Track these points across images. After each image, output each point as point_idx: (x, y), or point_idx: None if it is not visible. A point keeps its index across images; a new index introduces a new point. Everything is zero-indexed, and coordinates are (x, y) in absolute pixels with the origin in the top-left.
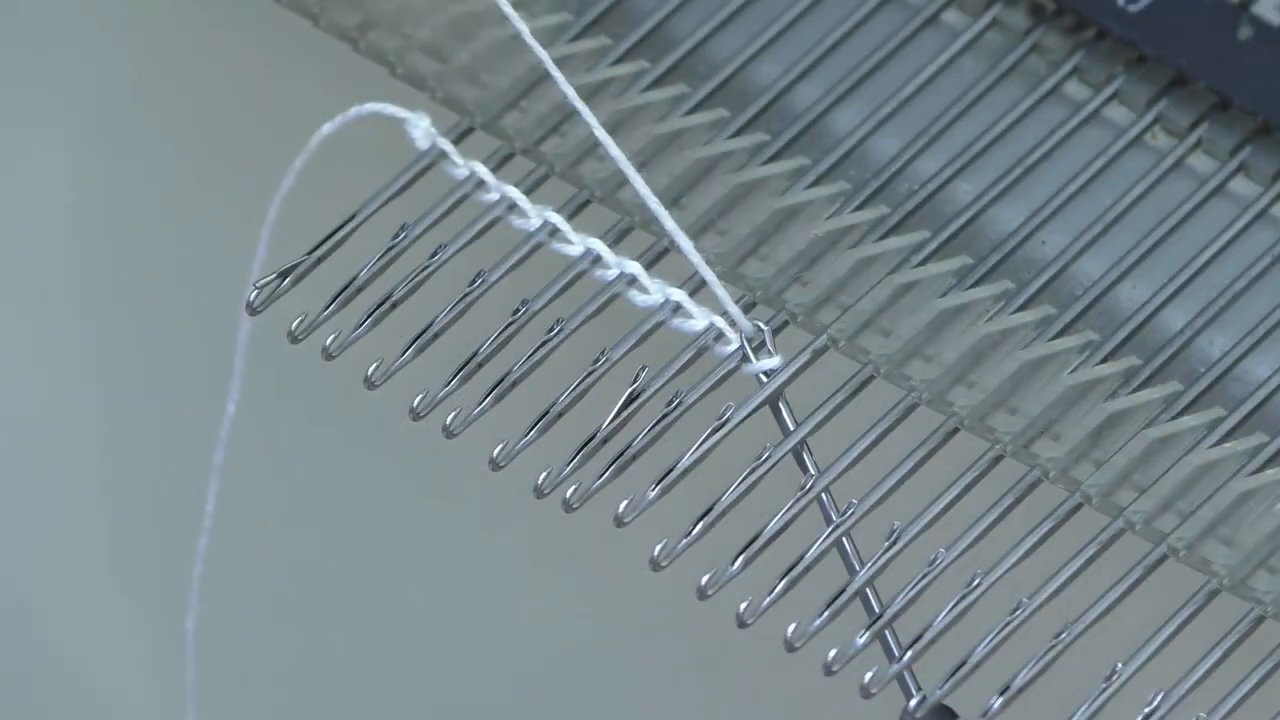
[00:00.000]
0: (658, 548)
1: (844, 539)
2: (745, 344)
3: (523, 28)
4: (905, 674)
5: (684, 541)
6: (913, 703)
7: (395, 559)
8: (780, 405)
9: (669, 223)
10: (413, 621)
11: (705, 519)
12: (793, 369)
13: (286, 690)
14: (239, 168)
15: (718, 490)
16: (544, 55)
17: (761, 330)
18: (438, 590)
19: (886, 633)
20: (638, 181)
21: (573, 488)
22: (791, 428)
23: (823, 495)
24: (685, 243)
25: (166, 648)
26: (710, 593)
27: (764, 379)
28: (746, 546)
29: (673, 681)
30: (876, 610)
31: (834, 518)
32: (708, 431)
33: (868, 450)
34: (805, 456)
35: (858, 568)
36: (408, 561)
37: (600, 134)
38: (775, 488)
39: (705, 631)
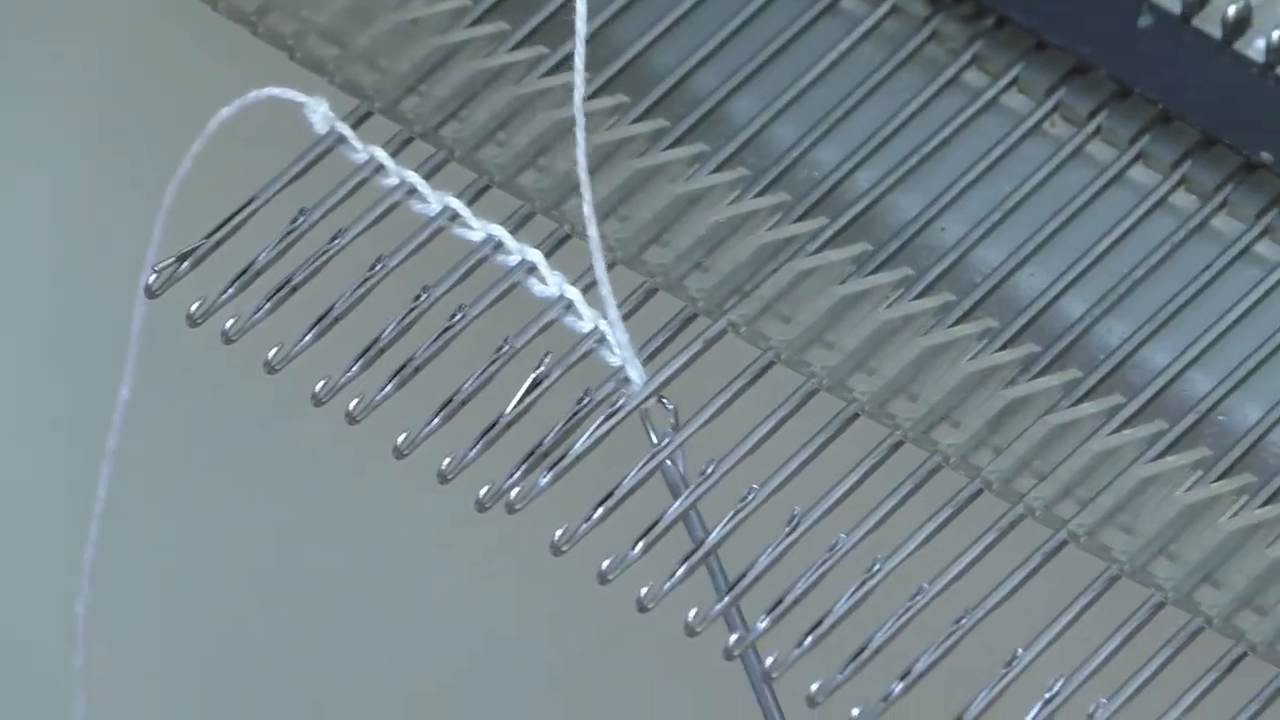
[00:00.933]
0: (558, 532)
1: (709, 550)
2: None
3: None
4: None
5: (584, 526)
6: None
7: (299, 541)
8: (648, 421)
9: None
10: (317, 603)
11: (605, 504)
12: (675, 367)
13: (189, 671)
14: (138, 152)
15: (620, 476)
16: (580, 119)
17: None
18: (342, 574)
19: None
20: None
21: (485, 488)
22: (655, 441)
23: (692, 512)
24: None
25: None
26: (611, 577)
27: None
28: (647, 532)
29: (580, 663)
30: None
31: (701, 533)
32: (599, 421)
33: (767, 437)
34: (679, 465)
35: (712, 573)
36: (311, 544)
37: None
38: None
39: (609, 614)
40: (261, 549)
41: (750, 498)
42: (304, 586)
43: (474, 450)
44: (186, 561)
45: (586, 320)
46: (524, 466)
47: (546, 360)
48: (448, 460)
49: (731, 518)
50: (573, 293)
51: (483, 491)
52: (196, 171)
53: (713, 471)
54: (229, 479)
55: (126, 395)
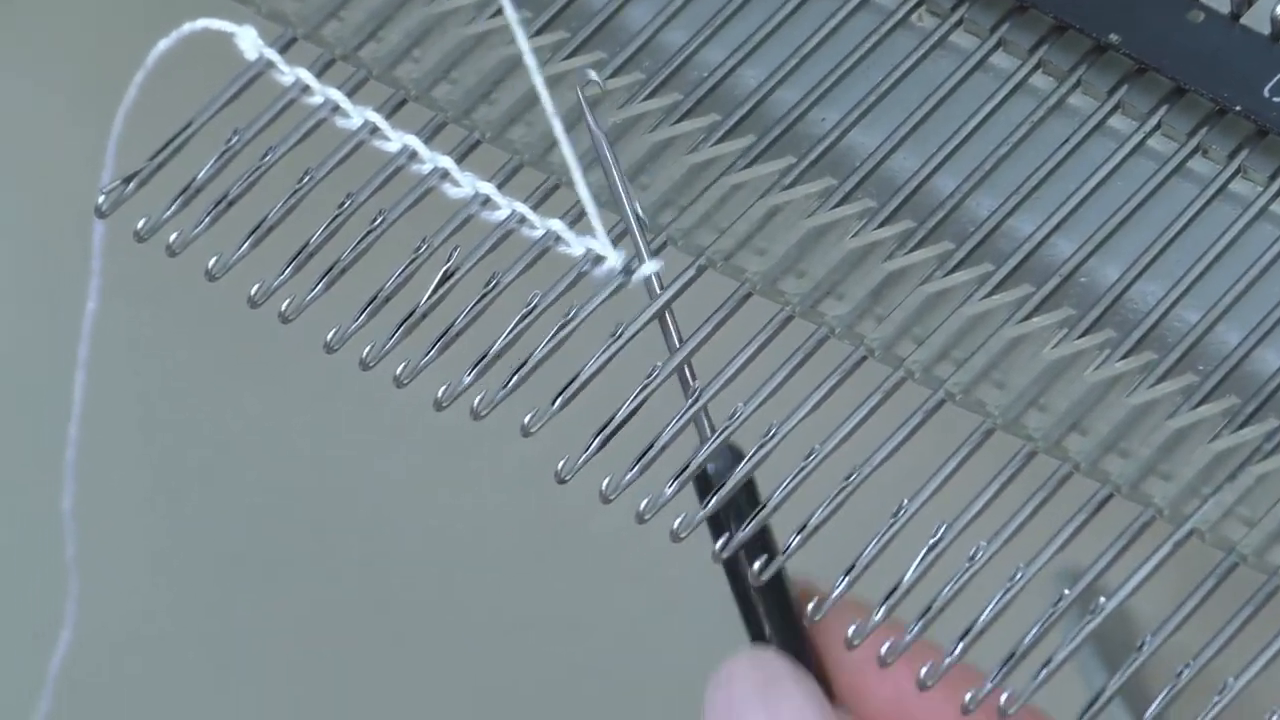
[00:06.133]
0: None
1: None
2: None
3: None
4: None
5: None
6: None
7: (244, 432)
8: (667, 315)
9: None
10: (261, 486)
11: (603, 433)
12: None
13: (154, 564)
14: (87, 87)
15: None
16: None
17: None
18: (281, 464)
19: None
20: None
21: (402, 365)
22: (658, 291)
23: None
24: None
25: (42, 531)
26: (533, 430)
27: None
28: (606, 431)
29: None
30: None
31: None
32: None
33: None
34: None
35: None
36: (253, 432)
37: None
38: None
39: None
40: (207, 438)
41: (655, 374)
42: (248, 470)
43: (393, 339)
44: (142, 455)
45: (504, 208)
46: (436, 348)
47: (455, 254)
48: (368, 349)
49: (638, 393)
50: (487, 187)
51: (400, 370)
52: (140, 101)
53: (622, 332)
54: (179, 372)
55: (94, 307)
